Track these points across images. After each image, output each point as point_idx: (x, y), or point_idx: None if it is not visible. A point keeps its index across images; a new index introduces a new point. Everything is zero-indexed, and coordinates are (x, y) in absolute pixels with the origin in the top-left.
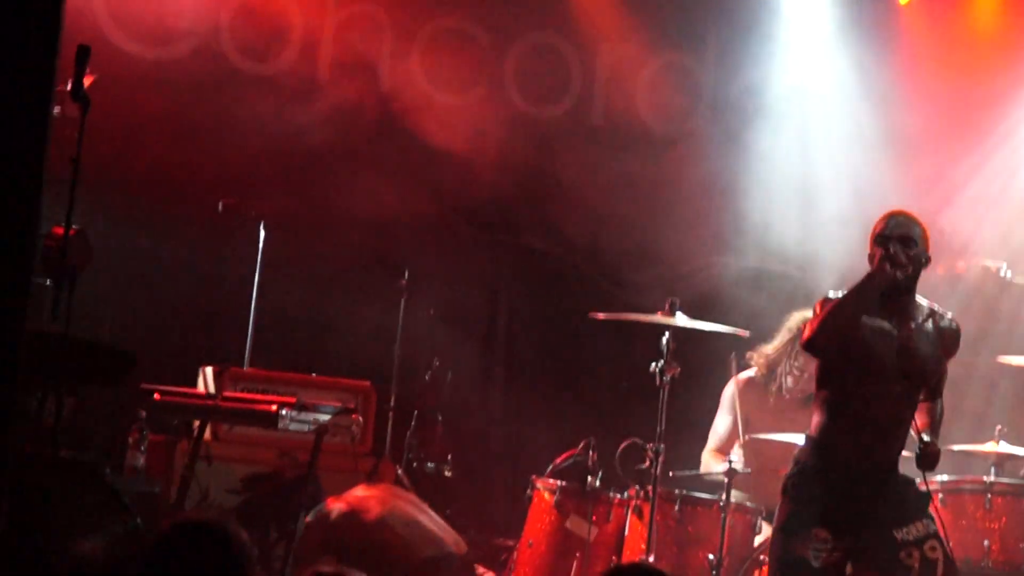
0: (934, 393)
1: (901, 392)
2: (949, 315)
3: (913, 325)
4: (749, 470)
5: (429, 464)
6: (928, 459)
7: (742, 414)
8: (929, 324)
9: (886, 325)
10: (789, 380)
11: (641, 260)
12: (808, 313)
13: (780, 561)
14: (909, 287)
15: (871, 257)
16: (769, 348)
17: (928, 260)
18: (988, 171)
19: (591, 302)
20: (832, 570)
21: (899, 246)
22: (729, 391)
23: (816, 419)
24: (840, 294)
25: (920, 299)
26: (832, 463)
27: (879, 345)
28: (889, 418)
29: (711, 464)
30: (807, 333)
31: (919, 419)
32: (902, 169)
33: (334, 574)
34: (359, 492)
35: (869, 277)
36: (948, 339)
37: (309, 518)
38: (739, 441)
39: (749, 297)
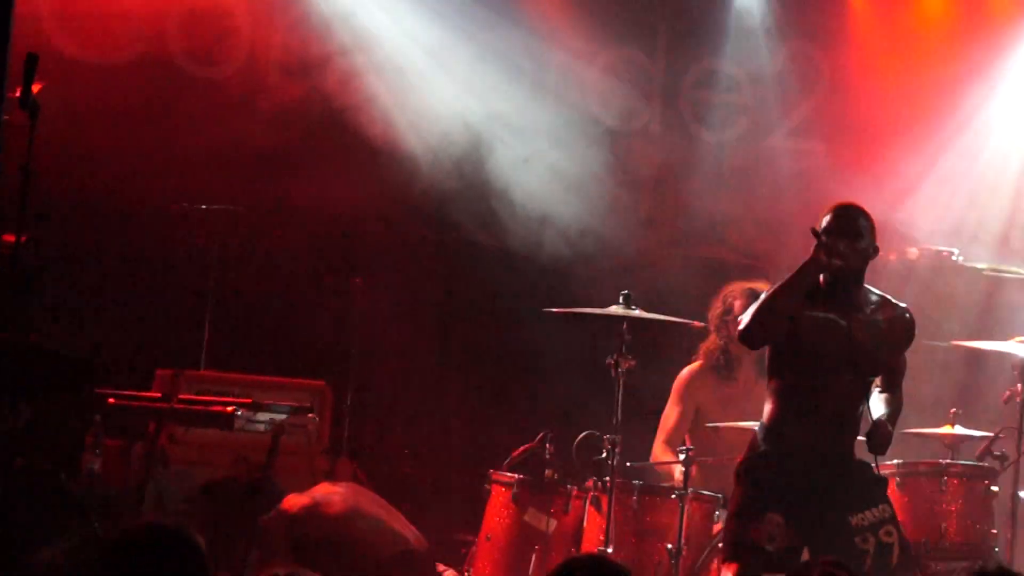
0: (890, 385)
1: (850, 382)
2: (903, 306)
3: (862, 316)
4: (707, 459)
5: (386, 461)
6: (878, 439)
7: (694, 404)
8: (880, 315)
9: (833, 316)
10: (733, 349)
11: (595, 253)
12: (744, 284)
13: (734, 546)
14: (857, 278)
15: (819, 236)
16: (714, 336)
17: (876, 251)
18: (940, 159)
19: (545, 296)
20: (787, 555)
21: (844, 238)
22: (679, 382)
23: (768, 407)
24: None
25: (872, 290)
26: (784, 450)
27: (826, 336)
28: (839, 408)
29: (659, 456)
30: (742, 324)
31: (875, 409)
32: (853, 158)
33: (289, 575)
34: (322, 489)
35: (803, 267)
36: (900, 330)
37: (269, 516)
38: (691, 432)
39: (702, 288)
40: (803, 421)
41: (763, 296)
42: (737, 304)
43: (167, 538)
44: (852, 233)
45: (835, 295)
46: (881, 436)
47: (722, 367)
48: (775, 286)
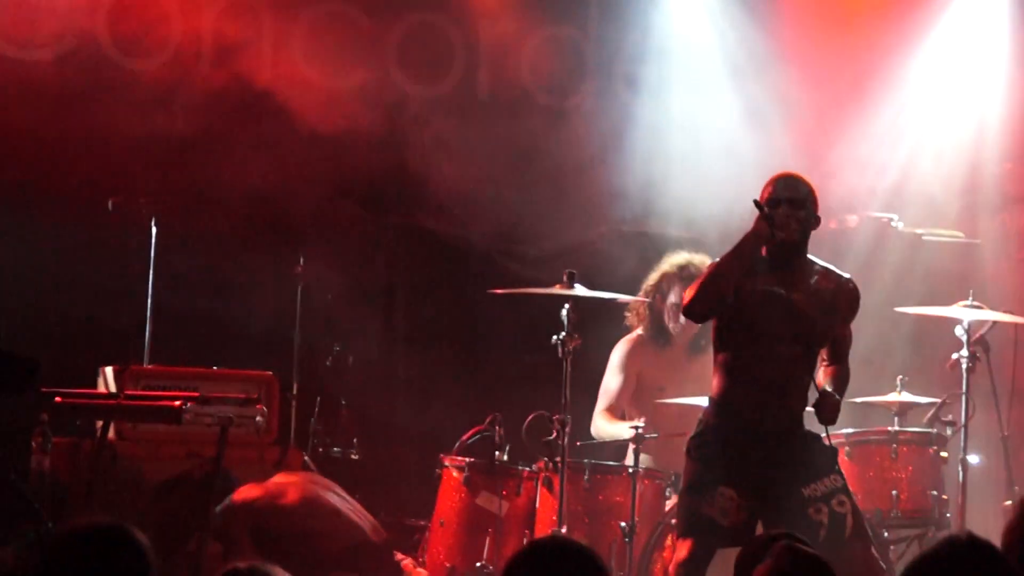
0: (835, 356)
1: (794, 353)
2: (847, 276)
3: (805, 286)
4: (656, 435)
5: (335, 449)
6: (826, 410)
7: (635, 372)
8: (824, 285)
9: (776, 287)
10: (669, 323)
11: (536, 233)
12: (683, 255)
13: (687, 521)
14: (799, 248)
15: (761, 208)
16: (643, 294)
17: (818, 221)
18: (876, 126)
19: (489, 278)
20: (741, 530)
21: (788, 208)
22: (618, 352)
23: (716, 381)
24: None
25: (816, 260)
26: (734, 423)
27: (768, 307)
28: (784, 379)
29: (603, 424)
30: (686, 299)
31: (821, 381)
32: (790, 128)
33: (249, 569)
34: (278, 479)
35: (745, 239)
36: (844, 301)
37: (224, 507)
38: (636, 406)
39: (645, 265)
40: (750, 393)
41: (705, 271)
42: (670, 280)
43: (107, 537)
44: (794, 203)
45: (778, 266)
46: (829, 407)
47: (658, 335)
48: (717, 260)
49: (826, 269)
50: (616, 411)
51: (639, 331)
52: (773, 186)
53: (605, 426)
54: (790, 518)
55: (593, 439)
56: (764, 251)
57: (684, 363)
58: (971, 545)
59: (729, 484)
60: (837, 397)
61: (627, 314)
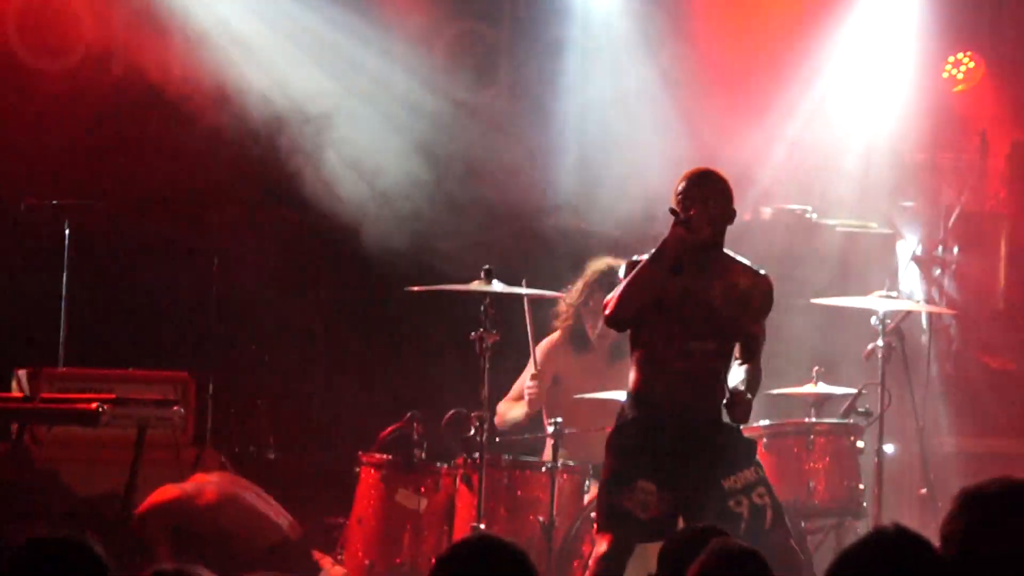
0: (748, 354)
1: (710, 348)
2: (763, 273)
3: (722, 282)
4: (574, 430)
5: (252, 448)
6: (738, 409)
7: (552, 373)
8: (739, 281)
9: (691, 282)
10: (591, 330)
11: (454, 229)
12: (606, 261)
13: (606, 515)
14: (714, 244)
15: (676, 214)
16: (566, 302)
17: (733, 215)
18: (790, 117)
19: (407, 275)
20: (661, 523)
21: (702, 207)
22: (537, 352)
23: (633, 375)
24: (643, 259)
25: (734, 256)
26: (652, 416)
27: (688, 303)
28: (700, 373)
29: (501, 407)
30: (609, 311)
31: (733, 380)
32: (706, 121)
33: (175, 571)
34: (196, 480)
35: (663, 245)
36: (758, 297)
37: (143, 509)
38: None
39: (561, 260)
40: (668, 388)
41: (626, 280)
42: (592, 286)
43: (65, 548)
44: (708, 201)
45: (696, 262)
46: (741, 406)
47: (578, 338)
48: (635, 266)
49: (742, 264)
50: (518, 398)
51: (559, 333)
52: (687, 183)
53: (502, 407)
54: (710, 511)
55: (511, 435)
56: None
57: (604, 368)
58: (899, 537)
59: (648, 478)
60: (749, 396)
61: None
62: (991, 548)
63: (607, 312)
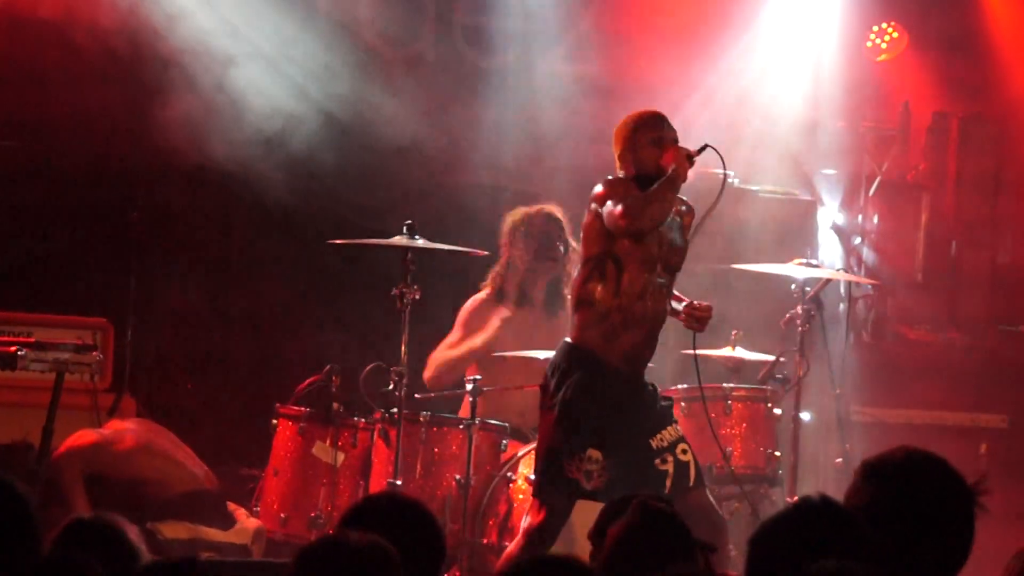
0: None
1: (664, 284)
2: (688, 203)
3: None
4: (493, 387)
5: (168, 397)
6: (698, 314)
7: (462, 333)
8: (679, 216)
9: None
10: (519, 284)
11: (375, 183)
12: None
13: (549, 484)
14: None
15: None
16: (498, 263)
17: None
18: (712, 78)
19: (328, 227)
20: (605, 491)
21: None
22: (465, 311)
23: (581, 320)
24: (621, 174)
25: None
26: (604, 373)
27: (649, 239)
28: (657, 313)
29: (444, 354)
30: (624, 221)
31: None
32: (629, 81)
33: (93, 519)
34: (113, 426)
35: (677, 174)
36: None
37: (58, 453)
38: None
39: (483, 215)
40: (626, 331)
41: (650, 194)
42: (514, 236)
43: None
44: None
45: None
46: (701, 309)
47: (510, 295)
48: (660, 184)
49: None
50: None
51: (487, 291)
52: (663, 124)
53: (439, 354)
54: (640, 471)
55: (428, 392)
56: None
57: (538, 323)
58: (824, 507)
59: (597, 446)
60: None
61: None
62: (895, 518)
63: (623, 223)
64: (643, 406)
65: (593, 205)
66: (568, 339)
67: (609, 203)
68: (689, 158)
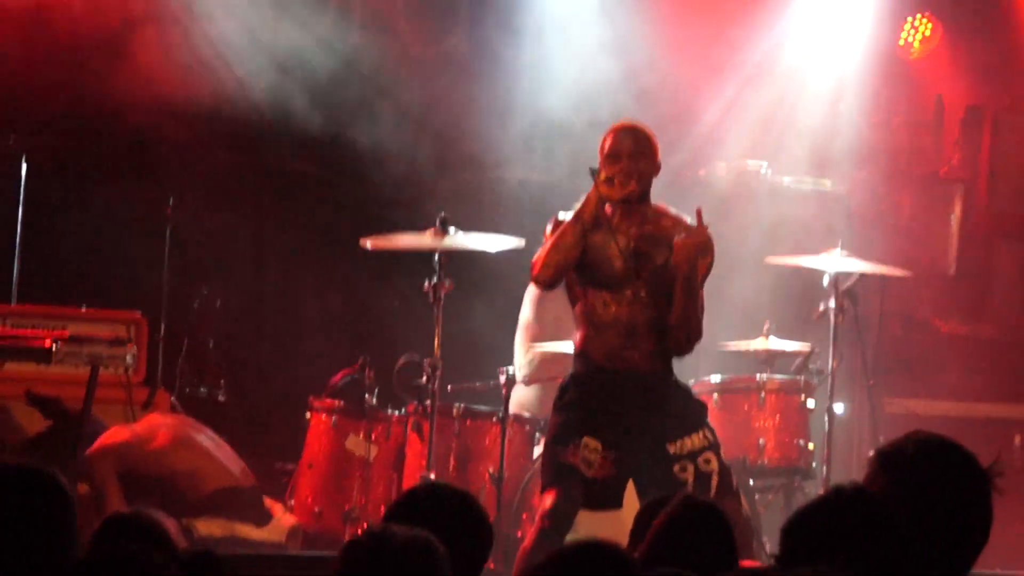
0: (684, 295)
1: (635, 295)
2: (688, 220)
3: (647, 228)
4: (526, 381)
5: (202, 390)
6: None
7: (554, 314)
8: (665, 227)
9: (617, 235)
10: None
11: (413, 179)
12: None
13: (551, 471)
14: (641, 198)
15: (597, 173)
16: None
17: (658, 169)
18: (744, 72)
19: (362, 223)
20: (606, 486)
21: (628, 162)
22: (528, 295)
23: (576, 332)
24: (568, 215)
25: (664, 210)
26: (593, 373)
27: (608, 256)
28: (629, 319)
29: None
30: (535, 271)
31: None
32: (659, 75)
33: (133, 514)
34: (149, 421)
35: (586, 203)
36: (687, 243)
37: (93, 449)
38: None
39: (520, 211)
40: (600, 335)
41: (548, 241)
42: None
43: (30, 480)
44: (633, 156)
45: (623, 214)
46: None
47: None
48: (560, 229)
49: (671, 216)
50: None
51: None
52: (613, 138)
53: (539, 347)
54: (655, 476)
55: (462, 384)
56: (607, 206)
57: None
58: (857, 496)
59: (592, 435)
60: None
61: None
62: (912, 504)
63: (533, 272)
64: (652, 408)
65: None
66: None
67: (540, 250)
68: (602, 182)
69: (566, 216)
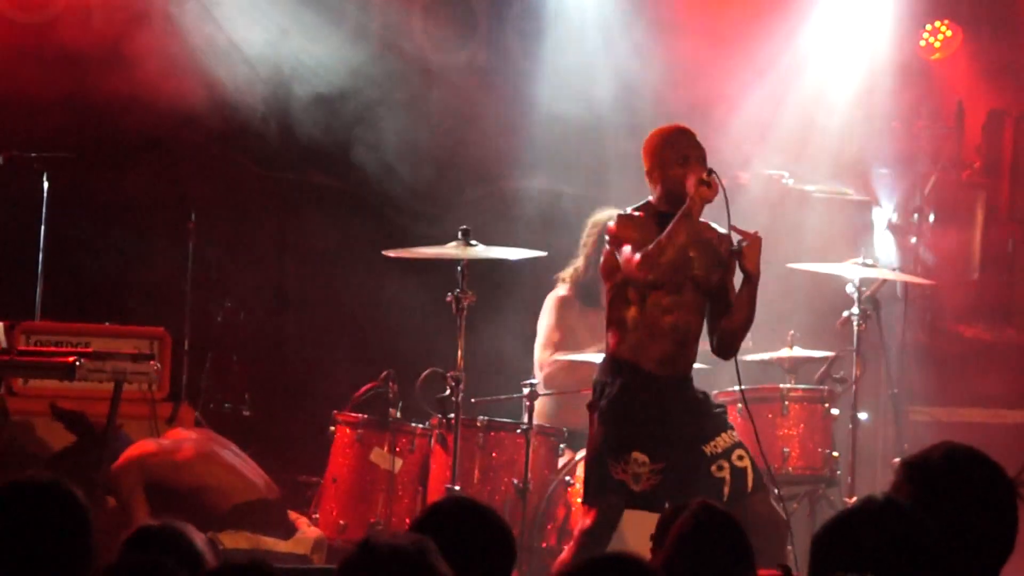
0: (723, 306)
1: (692, 300)
2: (724, 231)
3: (704, 237)
4: (551, 391)
5: (226, 405)
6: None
7: (568, 327)
8: (711, 240)
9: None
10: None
11: (434, 190)
12: (608, 213)
13: (597, 486)
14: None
15: (664, 177)
16: (579, 261)
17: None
18: (768, 81)
19: (383, 234)
20: (650, 496)
21: (704, 165)
22: (554, 302)
23: (614, 338)
24: (630, 210)
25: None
26: (642, 379)
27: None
28: (684, 326)
29: (561, 359)
30: (640, 273)
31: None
32: (682, 83)
33: (161, 527)
34: (174, 435)
35: (693, 203)
36: (725, 249)
37: (119, 464)
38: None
39: (540, 221)
40: (653, 342)
41: (659, 242)
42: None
43: (45, 492)
44: (703, 159)
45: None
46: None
47: (586, 296)
48: (673, 225)
49: (708, 225)
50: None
51: (566, 289)
52: (688, 141)
53: (560, 356)
54: (695, 478)
55: (487, 397)
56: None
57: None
58: (888, 507)
59: (642, 449)
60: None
61: (564, 273)
62: (938, 514)
63: (635, 271)
64: (692, 413)
65: (608, 242)
66: (608, 352)
67: (626, 249)
68: (701, 183)
69: (632, 212)
